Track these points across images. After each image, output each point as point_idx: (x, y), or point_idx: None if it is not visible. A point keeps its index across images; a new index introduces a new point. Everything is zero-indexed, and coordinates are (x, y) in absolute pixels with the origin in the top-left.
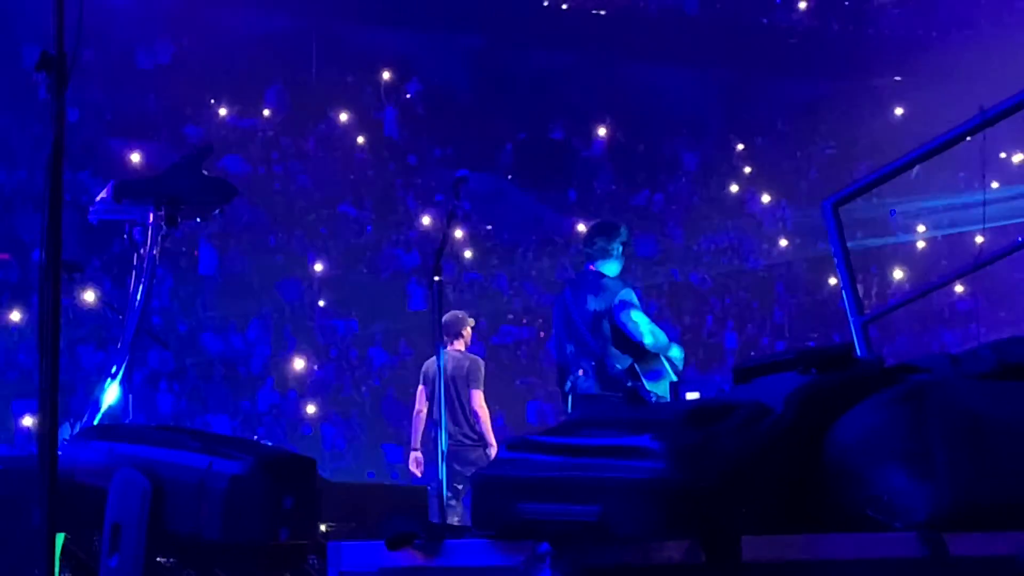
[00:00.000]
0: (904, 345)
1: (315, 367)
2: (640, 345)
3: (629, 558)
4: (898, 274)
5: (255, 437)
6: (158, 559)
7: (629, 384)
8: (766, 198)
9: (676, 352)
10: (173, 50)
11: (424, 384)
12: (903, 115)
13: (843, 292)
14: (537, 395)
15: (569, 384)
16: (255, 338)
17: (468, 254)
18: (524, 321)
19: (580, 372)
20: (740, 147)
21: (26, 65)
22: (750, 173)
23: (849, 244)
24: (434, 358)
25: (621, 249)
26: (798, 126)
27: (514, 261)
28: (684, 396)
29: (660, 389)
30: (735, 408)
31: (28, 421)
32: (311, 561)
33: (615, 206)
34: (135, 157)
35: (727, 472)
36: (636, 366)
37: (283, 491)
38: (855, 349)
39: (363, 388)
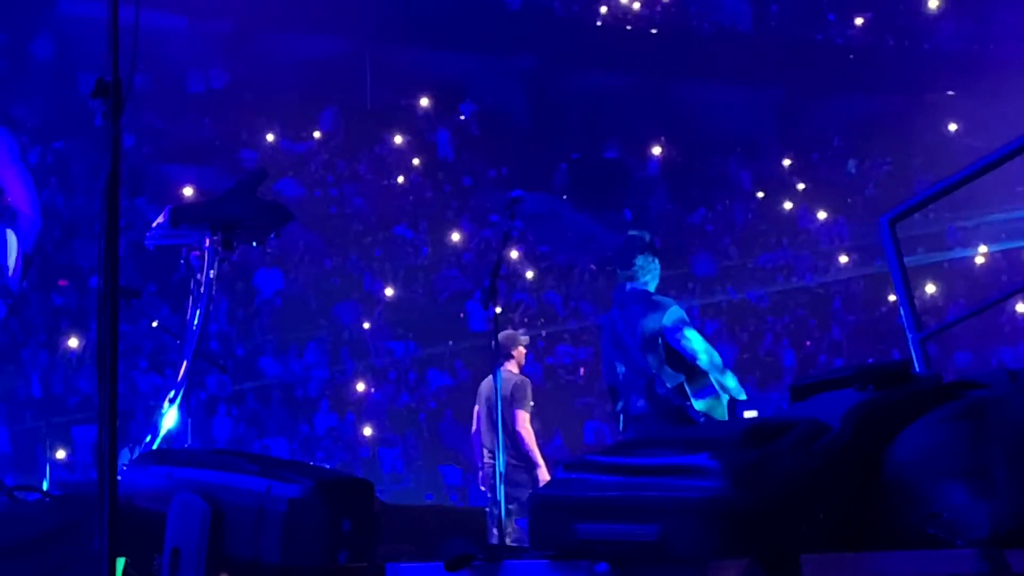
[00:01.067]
0: (962, 361)
1: (372, 389)
2: (694, 364)
3: None
4: (956, 290)
5: (313, 460)
6: None
7: (676, 404)
8: (822, 215)
9: (731, 381)
10: (227, 75)
11: (479, 404)
12: (958, 130)
13: (900, 308)
14: (595, 415)
15: (621, 404)
16: (312, 361)
17: (525, 274)
18: (581, 341)
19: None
20: (795, 164)
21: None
22: (805, 190)
23: (907, 260)
24: (489, 378)
25: (656, 261)
26: (853, 142)
27: (570, 281)
28: (741, 414)
29: (708, 407)
30: (793, 426)
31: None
32: None
33: (670, 225)
34: (191, 182)
35: (785, 491)
36: (686, 385)
37: (342, 514)
38: (913, 365)
39: (420, 410)
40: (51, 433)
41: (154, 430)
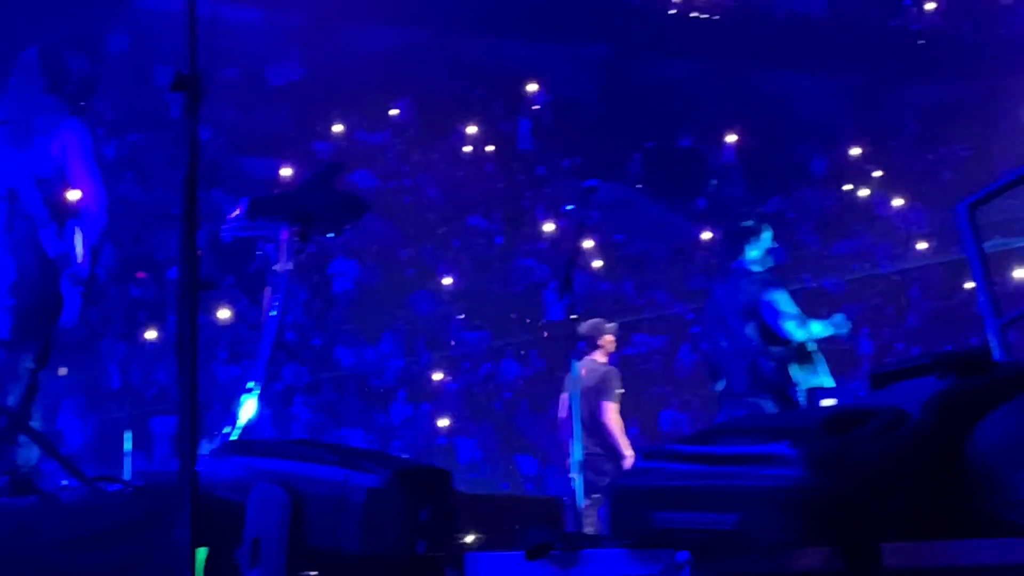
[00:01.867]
0: None
1: (448, 379)
2: (791, 342)
3: (767, 566)
4: None
5: (390, 450)
6: (298, 572)
7: (776, 382)
8: (899, 202)
9: (828, 328)
10: (302, 67)
11: (565, 391)
12: None
13: (979, 295)
14: (671, 404)
15: (723, 383)
16: (388, 351)
17: (598, 264)
18: (656, 330)
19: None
20: (871, 151)
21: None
22: (882, 177)
23: (985, 246)
24: (576, 365)
25: (765, 242)
26: (930, 128)
27: (644, 270)
28: (819, 402)
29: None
30: (872, 414)
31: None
32: (447, 573)
33: (745, 213)
34: (267, 174)
35: (865, 479)
36: (788, 365)
37: (419, 503)
38: (993, 353)
39: (496, 400)
40: (130, 424)
41: (233, 421)
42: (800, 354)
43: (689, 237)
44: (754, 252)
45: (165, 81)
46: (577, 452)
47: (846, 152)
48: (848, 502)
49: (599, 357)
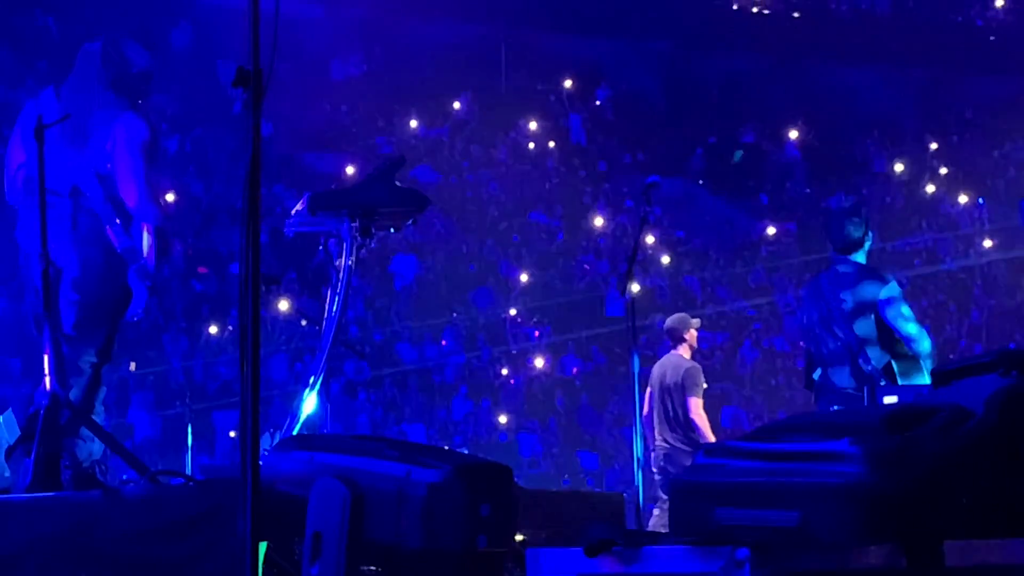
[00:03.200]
0: None
1: (509, 375)
2: (904, 343)
3: (829, 564)
4: None
5: (451, 446)
6: (359, 567)
7: (883, 383)
8: (963, 198)
9: (929, 364)
10: (363, 62)
11: (651, 387)
12: None
13: None
14: (732, 400)
15: (820, 374)
16: (449, 347)
17: (661, 260)
18: (718, 326)
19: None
20: (935, 147)
21: (221, 81)
22: (946, 173)
23: None
24: (661, 361)
25: (867, 230)
26: (995, 124)
27: (706, 266)
28: (882, 400)
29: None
30: (935, 411)
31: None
32: (508, 569)
33: (808, 209)
34: (329, 169)
35: (928, 476)
36: (894, 364)
37: (480, 499)
38: None
39: (557, 396)
40: (193, 419)
41: (294, 416)
42: (902, 354)
43: (751, 233)
44: (868, 245)
45: (228, 76)
46: (637, 448)
47: (910, 148)
48: (910, 499)
49: (684, 352)
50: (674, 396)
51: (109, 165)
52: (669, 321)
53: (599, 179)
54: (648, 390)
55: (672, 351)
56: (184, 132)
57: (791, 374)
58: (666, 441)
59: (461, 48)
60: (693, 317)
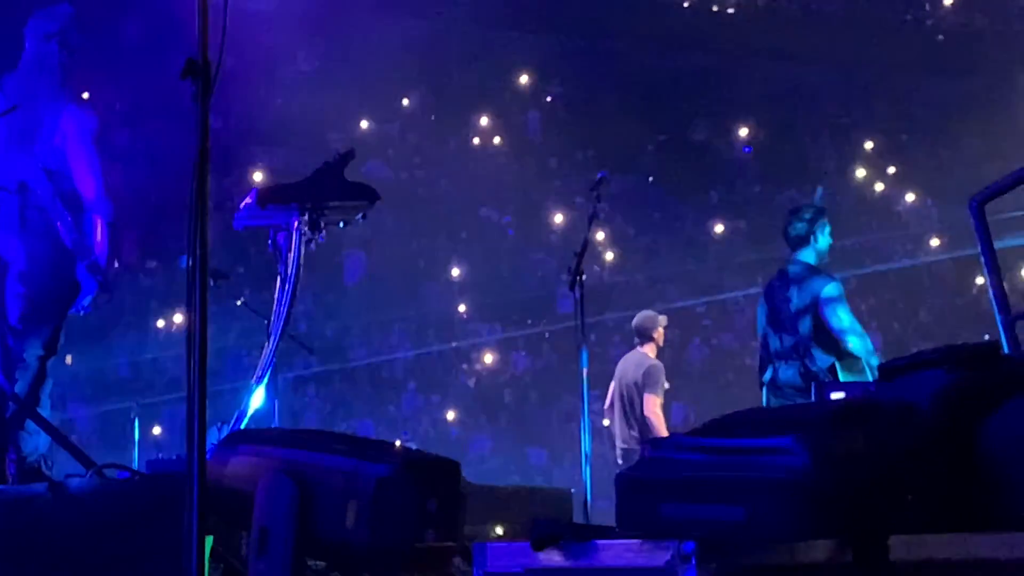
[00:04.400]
0: None
1: (459, 371)
2: (841, 343)
3: (775, 558)
4: None
5: (399, 441)
6: (306, 562)
7: (828, 381)
8: (911, 197)
9: (875, 362)
10: (315, 57)
11: (614, 381)
12: None
13: (990, 290)
14: (681, 398)
15: (770, 374)
16: (398, 343)
17: (609, 256)
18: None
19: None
20: (884, 146)
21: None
22: (895, 172)
23: (997, 243)
24: (625, 357)
25: (821, 230)
26: (944, 124)
27: (656, 263)
28: (829, 396)
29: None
30: (881, 407)
31: (169, 415)
32: (455, 563)
33: (758, 207)
34: (278, 163)
35: (874, 472)
36: (837, 365)
37: (428, 493)
38: (1002, 347)
39: (507, 392)
40: (140, 413)
41: (242, 410)
42: (846, 353)
43: (701, 230)
44: (821, 245)
45: (178, 70)
46: (586, 444)
47: (859, 147)
48: (855, 494)
49: (649, 350)
50: (633, 393)
51: (57, 160)
52: (637, 319)
53: (550, 176)
54: (612, 384)
55: (637, 348)
56: (133, 126)
57: (740, 371)
58: (624, 440)
59: (413, 44)
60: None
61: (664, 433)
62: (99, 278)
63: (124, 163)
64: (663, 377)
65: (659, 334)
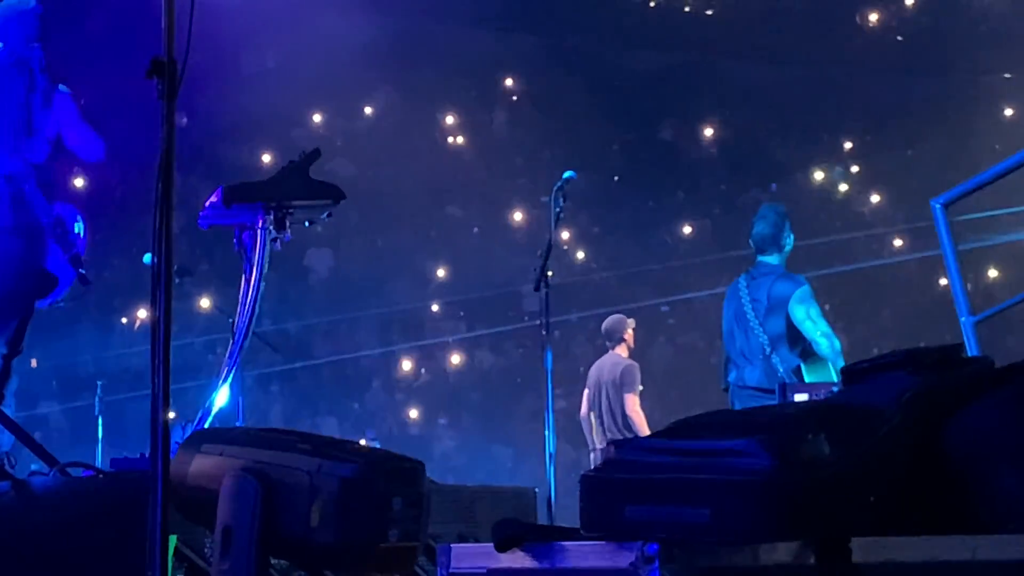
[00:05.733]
0: (1015, 346)
1: (424, 370)
2: (811, 345)
3: (739, 560)
4: (1010, 275)
5: (364, 439)
6: (270, 561)
7: (793, 382)
8: (875, 198)
9: (841, 364)
10: (280, 54)
11: (588, 388)
12: (1014, 114)
13: (953, 292)
14: (646, 397)
15: (735, 375)
16: (363, 341)
17: (575, 256)
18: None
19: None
20: (849, 146)
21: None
22: (859, 172)
23: (960, 245)
24: (599, 361)
25: (786, 233)
26: (907, 124)
27: (621, 263)
28: (793, 398)
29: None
30: (845, 410)
31: (133, 413)
32: (420, 563)
33: (724, 207)
34: (244, 161)
35: (837, 474)
36: (803, 366)
37: (392, 493)
38: (965, 349)
39: (472, 390)
40: (104, 410)
41: (206, 408)
42: (811, 355)
43: (668, 229)
44: (787, 247)
45: (144, 68)
46: (550, 444)
47: (824, 147)
48: (818, 497)
49: (621, 351)
50: (611, 394)
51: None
52: (607, 323)
53: (516, 174)
54: (586, 391)
55: (610, 351)
56: (97, 122)
57: (706, 371)
58: (604, 440)
59: (378, 41)
60: (606, 313)
61: (647, 431)
62: (81, 271)
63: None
64: (639, 376)
65: (629, 336)
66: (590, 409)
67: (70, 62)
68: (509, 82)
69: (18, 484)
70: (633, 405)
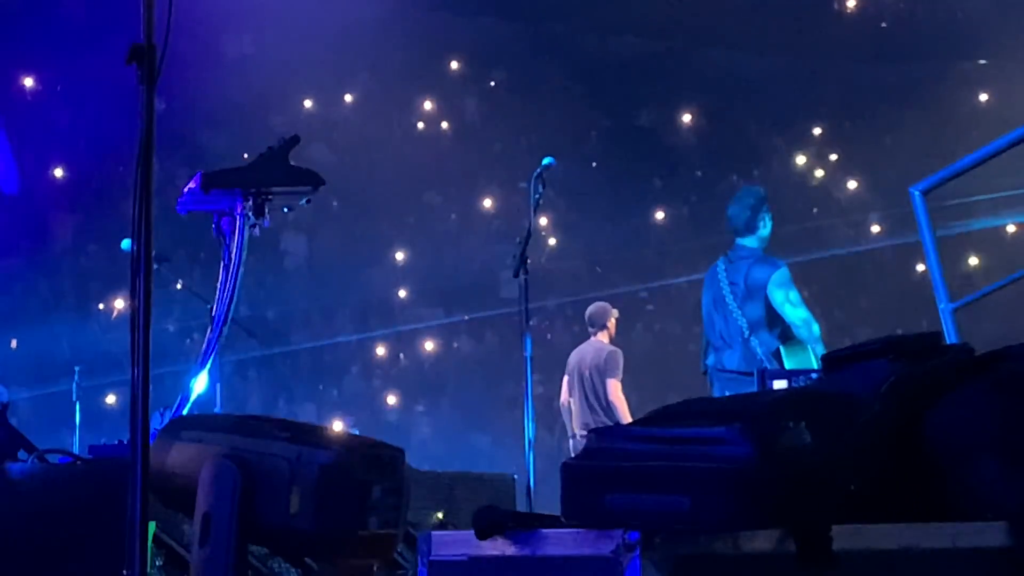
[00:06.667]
0: (993, 333)
1: (401, 356)
2: (790, 328)
3: (719, 548)
4: (986, 261)
5: (342, 426)
6: (249, 548)
7: (771, 367)
8: (853, 184)
9: (820, 350)
10: (257, 40)
11: (568, 374)
12: (989, 100)
13: (932, 279)
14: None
15: (713, 359)
16: (341, 327)
17: (552, 242)
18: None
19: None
20: (827, 133)
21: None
22: (837, 159)
23: (939, 231)
24: (578, 349)
25: (764, 216)
26: (886, 111)
27: (599, 249)
28: (772, 385)
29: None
30: (825, 397)
31: (111, 400)
32: (400, 551)
33: (700, 194)
34: (222, 147)
35: (817, 462)
36: (782, 349)
37: (372, 480)
38: (944, 336)
39: (450, 377)
40: (81, 397)
41: (184, 395)
42: (791, 339)
43: (644, 215)
44: (764, 231)
45: (122, 52)
46: (529, 431)
47: (802, 133)
48: (799, 485)
49: (604, 338)
50: (595, 379)
51: None
52: (591, 309)
53: (494, 161)
54: (565, 378)
55: (592, 338)
56: (76, 108)
57: (684, 357)
58: (586, 426)
59: (356, 28)
60: (583, 300)
61: (629, 417)
62: None
63: (66, 145)
64: (622, 362)
65: (612, 324)
66: (569, 396)
67: (46, 47)
68: (486, 68)
69: None
70: (615, 391)
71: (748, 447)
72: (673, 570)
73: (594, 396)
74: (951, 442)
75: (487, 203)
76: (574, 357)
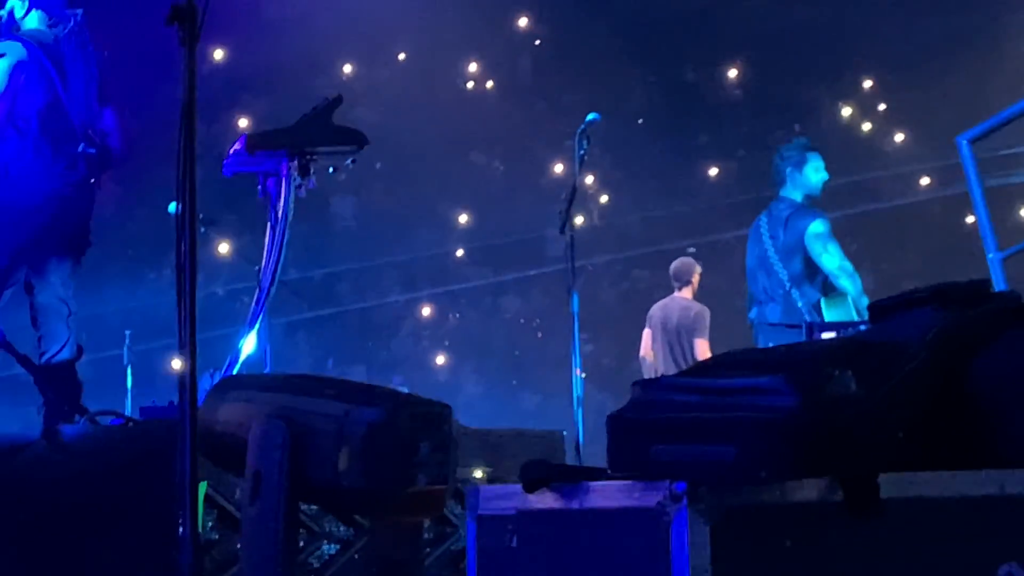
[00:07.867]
0: None
1: (450, 315)
2: (830, 279)
3: (766, 498)
4: None
5: (391, 385)
6: (298, 506)
7: (808, 320)
8: (900, 136)
9: (864, 302)
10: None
11: (651, 328)
12: None
13: (980, 228)
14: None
15: (756, 311)
16: (389, 288)
17: (601, 200)
18: (657, 266)
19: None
20: (875, 85)
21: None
22: (884, 111)
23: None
24: (661, 303)
25: (806, 167)
26: (933, 62)
27: (646, 206)
28: (819, 336)
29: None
30: (871, 346)
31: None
32: (448, 506)
33: (748, 148)
34: (267, 109)
35: (864, 411)
36: (823, 301)
37: (420, 437)
38: (992, 284)
39: (498, 336)
40: (132, 360)
41: (233, 356)
42: (831, 291)
43: (692, 172)
44: (808, 181)
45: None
46: (578, 388)
47: (849, 86)
48: (845, 434)
49: (687, 294)
50: (682, 338)
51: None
52: (675, 264)
53: (539, 119)
54: (647, 331)
55: (675, 293)
56: (119, 72)
57: (731, 312)
58: None
59: None
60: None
61: None
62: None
63: (112, 108)
64: (708, 320)
65: (695, 279)
66: (653, 351)
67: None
68: (531, 26)
69: (49, 433)
70: (704, 350)
71: (794, 396)
72: (720, 520)
73: (681, 354)
74: (998, 389)
75: (533, 161)
76: (658, 312)
